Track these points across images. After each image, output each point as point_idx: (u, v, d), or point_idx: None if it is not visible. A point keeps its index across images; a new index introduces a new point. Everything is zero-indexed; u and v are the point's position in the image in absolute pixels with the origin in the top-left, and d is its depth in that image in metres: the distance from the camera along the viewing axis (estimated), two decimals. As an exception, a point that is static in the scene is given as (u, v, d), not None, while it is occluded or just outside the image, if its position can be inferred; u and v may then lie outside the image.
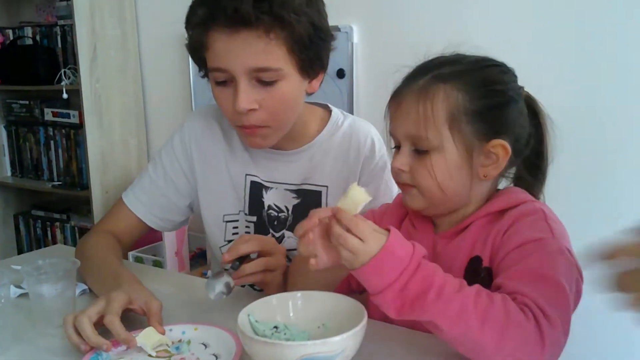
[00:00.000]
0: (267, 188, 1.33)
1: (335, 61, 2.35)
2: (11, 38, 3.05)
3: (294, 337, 0.91)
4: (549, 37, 1.96)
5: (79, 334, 0.95)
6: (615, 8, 1.85)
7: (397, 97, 0.99)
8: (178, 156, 1.37)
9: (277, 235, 1.34)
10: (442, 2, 2.14)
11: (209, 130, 1.37)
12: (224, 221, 1.37)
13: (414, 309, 0.82)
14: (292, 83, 1.17)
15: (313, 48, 1.16)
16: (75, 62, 2.72)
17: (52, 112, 2.98)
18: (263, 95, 1.15)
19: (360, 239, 0.84)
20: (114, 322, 0.95)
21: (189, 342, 0.98)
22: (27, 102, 3.09)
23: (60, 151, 3.03)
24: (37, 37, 2.99)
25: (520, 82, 1.01)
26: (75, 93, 2.75)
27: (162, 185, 1.37)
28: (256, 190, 1.34)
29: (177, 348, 0.96)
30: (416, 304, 0.82)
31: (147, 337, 0.96)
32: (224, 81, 1.16)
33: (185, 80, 2.81)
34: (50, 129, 3.04)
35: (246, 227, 1.35)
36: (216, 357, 0.93)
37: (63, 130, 2.99)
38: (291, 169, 1.32)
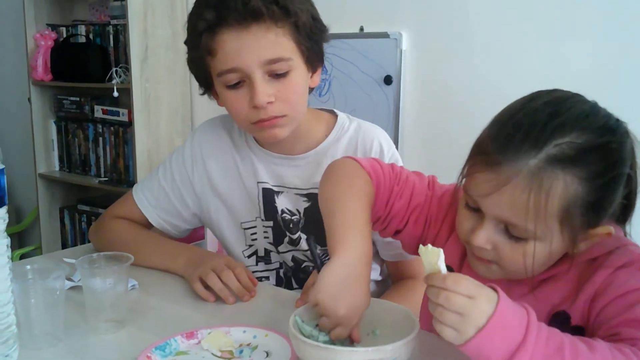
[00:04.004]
0: (277, 193, 1.35)
1: (382, 67, 2.35)
2: (64, 36, 3.11)
3: (341, 342, 0.90)
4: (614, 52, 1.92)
5: (207, 288, 1.16)
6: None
7: (494, 170, 0.80)
8: (187, 167, 1.40)
9: (294, 237, 1.36)
10: (493, 12, 2.12)
11: (220, 141, 1.40)
12: (242, 228, 1.39)
13: None
14: (301, 73, 1.22)
15: (314, 38, 1.22)
16: (127, 61, 2.77)
17: (102, 109, 3.04)
18: (277, 88, 1.19)
19: (468, 297, 0.71)
20: (244, 272, 1.18)
21: (254, 348, 0.97)
22: (77, 99, 3.15)
23: (108, 148, 3.08)
24: (90, 36, 3.05)
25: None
26: (125, 91, 2.81)
27: (169, 192, 1.41)
28: (268, 196, 1.35)
29: (241, 352, 0.97)
30: None
31: (212, 340, 0.98)
32: (236, 83, 1.19)
33: (232, 82, 2.83)
34: (100, 126, 3.09)
35: (264, 232, 1.38)
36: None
37: (112, 128, 3.04)
38: (298, 174, 1.33)
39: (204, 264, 1.20)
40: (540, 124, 0.78)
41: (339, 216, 0.94)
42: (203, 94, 1.32)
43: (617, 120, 0.83)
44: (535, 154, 0.77)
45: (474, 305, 0.71)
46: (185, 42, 1.27)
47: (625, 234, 0.89)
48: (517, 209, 0.78)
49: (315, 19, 1.23)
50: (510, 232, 0.82)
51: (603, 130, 0.80)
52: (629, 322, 0.77)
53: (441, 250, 0.76)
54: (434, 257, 0.76)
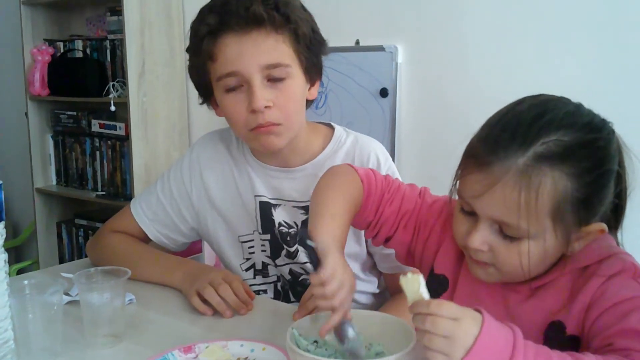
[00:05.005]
0: (275, 206, 1.35)
1: (378, 80, 2.36)
2: (62, 50, 3.13)
3: (335, 354, 0.91)
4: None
5: (205, 302, 1.16)
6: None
7: (485, 170, 0.82)
8: (185, 182, 1.41)
9: (291, 250, 1.36)
10: (488, 24, 2.14)
11: (218, 155, 1.41)
12: (239, 242, 1.40)
13: None
14: (299, 82, 1.24)
15: (313, 50, 1.25)
16: (124, 75, 2.79)
17: (99, 123, 3.04)
18: (275, 94, 1.20)
19: (453, 319, 0.72)
20: (241, 285, 1.19)
21: None
22: (74, 113, 3.16)
23: (105, 162, 3.09)
24: (87, 50, 3.06)
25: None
26: (123, 106, 2.82)
27: (167, 206, 1.42)
28: (265, 209, 1.36)
29: None
30: None
31: (210, 354, 0.98)
32: (234, 87, 1.21)
33: (229, 96, 2.84)
34: (97, 140, 3.10)
35: (262, 245, 1.38)
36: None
37: (109, 142, 3.05)
38: (295, 186, 1.34)
39: (201, 277, 1.20)
40: (527, 124, 0.81)
41: (318, 207, 0.98)
42: (202, 103, 1.33)
43: (603, 119, 0.85)
44: (523, 153, 0.79)
45: (459, 326, 0.71)
46: (187, 50, 1.28)
47: (617, 243, 0.90)
48: (508, 207, 0.80)
49: (315, 31, 1.25)
50: (505, 232, 0.83)
51: (589, 128, 0.82)
52: (623, 332, 0.78)
53: (421, 276, 0.77)
54: (414, 285, 0.77)
